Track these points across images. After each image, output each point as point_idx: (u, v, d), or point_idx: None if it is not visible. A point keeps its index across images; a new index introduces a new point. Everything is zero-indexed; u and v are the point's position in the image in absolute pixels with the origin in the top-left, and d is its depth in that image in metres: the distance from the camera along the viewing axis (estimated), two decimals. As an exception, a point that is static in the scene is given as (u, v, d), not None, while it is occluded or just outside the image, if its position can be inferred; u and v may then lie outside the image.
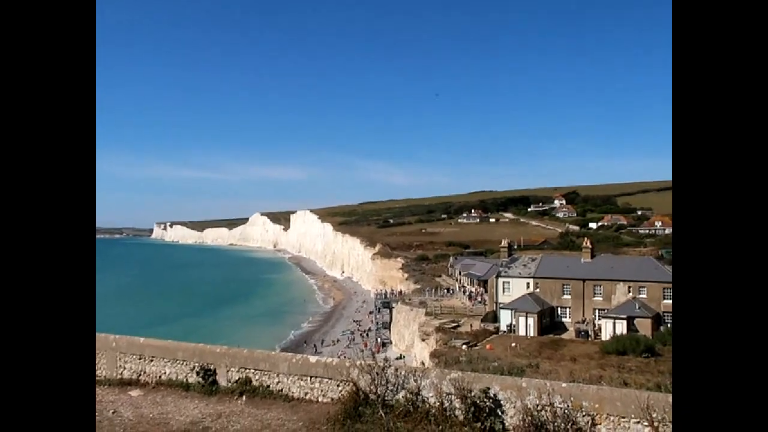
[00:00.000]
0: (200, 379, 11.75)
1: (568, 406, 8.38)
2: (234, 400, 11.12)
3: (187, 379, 12.03)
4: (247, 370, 11.47)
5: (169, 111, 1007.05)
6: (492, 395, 8.99)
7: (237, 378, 11.53)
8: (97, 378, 13.17)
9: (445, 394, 9.33)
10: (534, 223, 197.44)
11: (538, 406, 8.64)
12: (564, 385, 8.67)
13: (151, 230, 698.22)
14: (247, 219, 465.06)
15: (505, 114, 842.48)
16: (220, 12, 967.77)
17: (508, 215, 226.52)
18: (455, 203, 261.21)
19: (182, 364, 12.19)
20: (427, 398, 9.50)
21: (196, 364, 11.90)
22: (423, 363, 45.18)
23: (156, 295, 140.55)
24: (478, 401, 8.94)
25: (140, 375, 12.67)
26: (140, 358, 12.73)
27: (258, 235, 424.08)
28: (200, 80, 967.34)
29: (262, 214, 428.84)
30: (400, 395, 9.58)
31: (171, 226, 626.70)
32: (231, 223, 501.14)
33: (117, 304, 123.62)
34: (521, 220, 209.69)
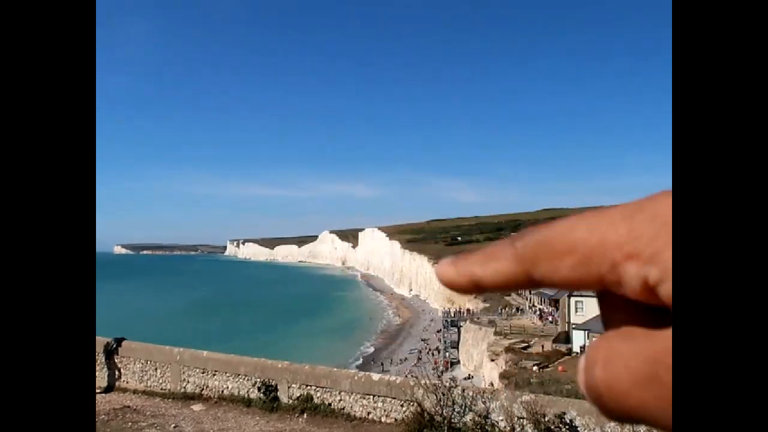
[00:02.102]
0: (261, 395, 11.49)
1: (654, 435, 7.60)
2: (295, 418, 10.79)
3: (248, 395, 11.81)
4: (309, 387, 11.13)
5: (243, 130, 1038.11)
6: (568, 421, 8.29)
7: (298, 395, 11.21)
8: (161, 391, 13.15)
9: (516, 418, 8.69)
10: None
11: (619, 434, 7.89)
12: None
13: (225, 247, 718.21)
14: (317, 236, 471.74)
15: (577, 129, 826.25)
16: (296, 36, 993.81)
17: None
18: (524, 220, 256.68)
19: (244, 379, 11.98)
20: (497, 422, 8.88)
21: (258, 380, 11.66)
22: (492, 384, 43.96)
23: (228, 310, 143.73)
24: (552, 427, 8.27)
25: (203, 389, 12.54)
26: (203, 372, 12.61)
27: (327, 252, 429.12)
28: (273, 101, 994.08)
29: (331, 232, 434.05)
30: (468, 418, 9.00)
31: (243, 243, 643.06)
32: (301, 241, 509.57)
33: (191, 318, 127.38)
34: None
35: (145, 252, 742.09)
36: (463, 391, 9.21)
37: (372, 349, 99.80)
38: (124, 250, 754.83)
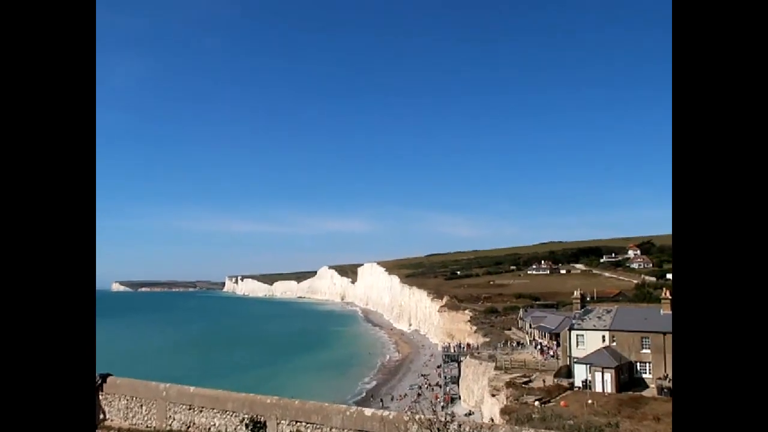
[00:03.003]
0: (249, 432, 10.97)
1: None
2: (284, 456, 10.26)
3: (236, 431, 11.28)
4: (299, 423, 10.61)
5: (240, 166, 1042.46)
6: (571, 457, 7.80)
7: (288, 431, 10.68)
8: (146, 429, 12.60)
9: (515, 455, 8.19)
10: (607, 274, 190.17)
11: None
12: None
13: (224, 283, 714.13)
14: (315, 272, 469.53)
15: (572, 165, 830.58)
16: (282, 71, 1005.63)
17: (580, 266, 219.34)
18: (524, 255, 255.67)
19: (231, 415, 11.46)
20: (496, 459, 8.38)
21: (246, 416, 11.14)
22: (492, 419, 42.98)
23: (224, 347, 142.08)
24: (554, 464, 7.77)
25: (189, 426, 12.00)
26: (189, 409, 12.09)
27: (326, 287, 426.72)
28: (271, 138, 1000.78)
29: (330, 267, 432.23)
30: (465, 455, 8.50)
31: (242, 279, 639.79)
32: (299, 276, 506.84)
33: (186, 354, 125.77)
34: (593, 271, 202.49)
35: (143, 289, 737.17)
36: (460, 426, 8.73)
37: (371, 385, 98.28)
38: (122, 287, 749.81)
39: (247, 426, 10.99)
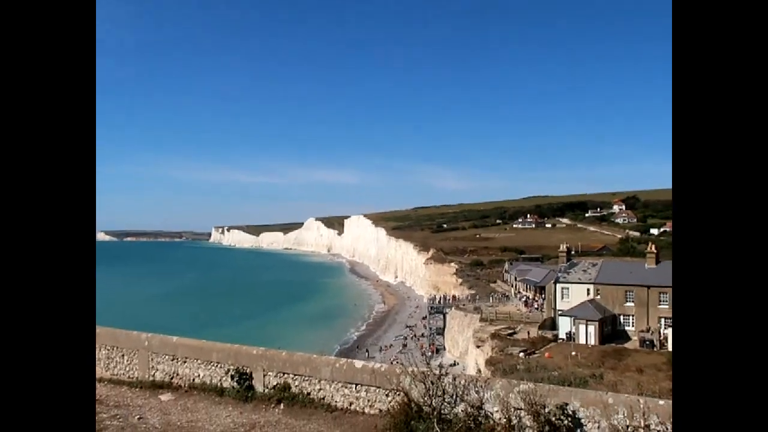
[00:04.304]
0: (235, 384, 10.59)
1: (667, 428, 6.82)
2: (271, 409, 9.91)
3: (221, 384, 10.90)
4: (286, 375, 10.24)
5: (228, 117, 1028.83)
6: (570, 412, 7.49)
7: (275, 383, 10.32)
8: (128, 379, 12.22)
9: (513, 409, 7.86)
10: (592, 228, 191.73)
11: (628, 427, 7.10)
12: (662, 402, 7.09)
13: (210, 234, 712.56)
14: (302, 224, 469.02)
15: (560, 118, 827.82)
16: (277, 22, 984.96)
17: (565, 221, 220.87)
18: (510, 208, 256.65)
19: (216, 366, 11.08)
20: (492, 413, 8.06)
21: (231, 367, 10.75)
22: (479, 371, 43.36)
23: (210, 297, 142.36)
24: (553, 419, 7.45)
25: (173, 377, 11.62)
26: (173, 359, 11.68)
27: (312, 239, 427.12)
28: (259, 87, 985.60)
29: (317, 219, 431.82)
30: (459, 408, 8.17)
31: (228, 230, 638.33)
32: (286, 228, 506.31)
33: (171, 304, 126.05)
34: (578, 225, 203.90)
35: (129, 239, 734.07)
36: (455, 379, 8.37)
37: (357, 336, 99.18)
38: (107, 237, 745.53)
39: (232, 377, 10.61)
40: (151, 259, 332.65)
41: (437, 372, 8.51)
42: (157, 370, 11.88)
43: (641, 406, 7.12)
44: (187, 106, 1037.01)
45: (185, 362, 11.48)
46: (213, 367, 11.11)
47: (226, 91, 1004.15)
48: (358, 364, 9.56)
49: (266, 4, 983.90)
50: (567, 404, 7.54)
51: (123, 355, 12.40)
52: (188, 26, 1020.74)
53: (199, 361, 11.30)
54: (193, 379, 11.32)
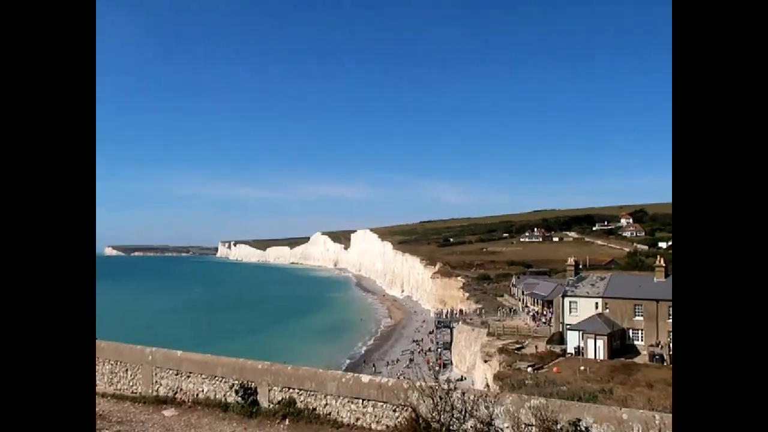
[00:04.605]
0: (239, 399, 10.40)
1: (684, 445, 6.58)
2: (275, 425, 9.71)
3: (225, 399, 10.71)
4: (291, 390, 10.04)
5: (234, 132, 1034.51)
6: (583, 429, 7.27)
7: (280, 398, 10.12)
8: (131, 394, 12.05)
9: (524, 426, 7.65)
10: (599, 242, 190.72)
11: (644, 444, 6.88)
12: (678, 418, 6.84)
13: (216, 249, 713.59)
14: (309, 238, 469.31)
15: (567, 132, 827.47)
16: (283, 35, 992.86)
17: (572, 234, 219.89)
18: (516, 222, 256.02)
19: (221, 381, 10.89)
20: (502, 429, 7.84)
21: (236, 382, 10.56)
22: (488, 386, 42.89)
23: (216, 312, 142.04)
24: (566, 436, 7.23)
25: (176, 392, 11.44)
26: (177, 374, 11.51)
27: (319, 254, 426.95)
28: (265, 103, 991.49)
29: (323, 233, 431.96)
30: (468, 425, 7.96)
31: (235, 244, 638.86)
32: (293, 242, 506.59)
33: (177, 319, 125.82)
34: (586, 239, 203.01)
35: (136, 253, 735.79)
36: (464, 394, 8.16)
37: (363, 350, 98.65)
38: (114, 252, 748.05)
39: (236, 392, 10.43)
40: (157, 273, 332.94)
41: (446, 387, 8.31)
42: (161, 384, 11.71)
43: (656, 422, 6.90)
44: (194, 121, 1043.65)
45: (189, 377, 11.31)
46: (217, 382, 10.93)
47: (233, 106, 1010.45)
48: (365, 378, 9.36)
49: (272, 17, 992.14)
50: (580, 420, 7.33)
51: (127, 370, 12.24)
52: (193, 41, 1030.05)
53: (203, 376, 11.12)
54: (197, 394, 11.14)
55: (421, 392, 8.38)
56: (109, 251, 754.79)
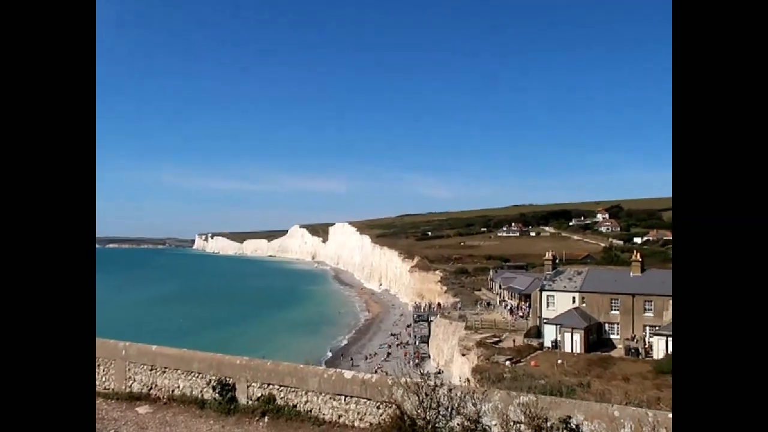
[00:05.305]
0: (217, 396, 10.04)
1: (678, 444, 6.40)
2: (254, 422, 9.38)
3: (202, 395, 10.34)
4: (271, 386, 9.71)
5: (211, 123, 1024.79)
6: (574, 426, 7.06)
7: (259, 395, 9.79)
8: (104, 391, 11.62)
9: (512, 423, 7.42)
10: (576, 237, 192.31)
11: (637, 442, 6.68)
12: (671, 416, 6.67)
13: (193, 241, 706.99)
14: (287, 231, 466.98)
15: (544, 126, 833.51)
16: (261, 27, 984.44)
17: (549, 229, 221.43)
18: (495, 217, 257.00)
19: (197, 377, 10.52)
20: (490, 427, 7.61)
21: (213, 378, 10.20)
22: (468, 380, 42.84)
23: (192, 305, 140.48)
24: (556, 434, 7.02)
25: (151, 389, 11.04)
26: (152, 369, 11.10)
27: (297, 246, 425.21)
28: (240, 94, 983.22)
29: (301, 226, 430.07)
30: (455, 422, 7.72)
31: (212, 237, 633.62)
32: (270, 235, 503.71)
33: (152, 312, 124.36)
34: (562, 234, 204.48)
35: (111, 245, 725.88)
36: (450, 390, 7.91)
37: (341, 344, 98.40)
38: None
39: (214, 388, 10.06)
40: (133, 265, 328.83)
41: (432, 383, 8.05)
42: (135, 380, 11.29)
43: (650, 419, 6.70)
44: (172, 111, 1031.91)
45: (164, 372, 10.91)
46: (194, 378, 10.55)
47: (212, 97, 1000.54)
48: (348, 374, 9.06)
49: (256, 7, 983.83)
50: (570, 417, 7.12)
51: (99, 365, 11.79)
52: (177, 29, 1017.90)
53: (179, 372, 10.74)
54: (173, 391, 10.76)
55: (406, 388, 8.11)
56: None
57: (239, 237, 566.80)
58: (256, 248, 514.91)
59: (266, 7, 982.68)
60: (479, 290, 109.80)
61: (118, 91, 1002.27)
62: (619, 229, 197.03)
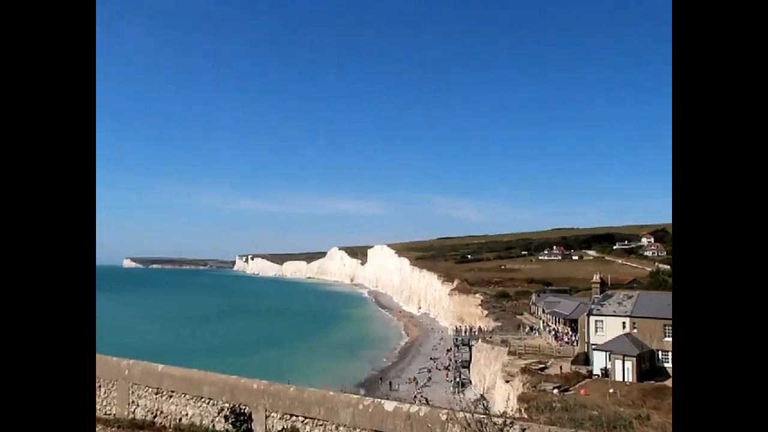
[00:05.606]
0: (230, 427, 8.29)
1: None
2: (272, 462, 7.57)
3: (213, 426, 8.61)
4: (294, 418, 7.91)
5: (253, 147, 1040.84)
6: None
7: (280, 428, 8.00)
8: (105, 416, 10.00)
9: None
10: (620, 261, 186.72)
11: None
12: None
13: (234, 262, 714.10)
14: (325, 253, 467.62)
15: (587, 150, 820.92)
16: (302, 54, 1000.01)
17: (592, 253, 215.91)
18: (535, 240, 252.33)
19: (208, 403, 8.80)
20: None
21: (226, 405, 8.47)
22: (521, 411, 40.31)
23: (229, 326, 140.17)
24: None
25: (156, 415, 9.36)
26: (157, 393, 9.44)
27: (335, 269, 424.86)
28: (282, 118, 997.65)
29: (340, 249, 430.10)
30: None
31: (252, 258, 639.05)
32: (309, 257, 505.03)
33: (189, 331, 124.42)
34: (606, 258, 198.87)
35: (154, 266, 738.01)
36: (524, 431, 5.99)
37: (379, 368, 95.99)
38: (133, 264, 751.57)
39: (226, 418, 8.32)
40: (175, 285, 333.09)
41: (498, 421, 6.14)
42: (138, 405, 9.64)
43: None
44: (213, 137, 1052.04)
45: (171, 397, 9.23)
46: (204, 405, 8.84)
47: (251, 124, 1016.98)
48: (389, 405, 7.19)
49: (293, 33, 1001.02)
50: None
51: (99, 387, 10.20)
52: (213, 55, 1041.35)
53: (187, 396, 9.04)
54: (180, 419, 9.05)
55: (465, 426, 6.22)
56: (128, 263, 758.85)
57: (279, 258, 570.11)
58: (295, 270, 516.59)
59: (297, 27, 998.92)
60: (521, 314, 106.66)
61: (157, 114, 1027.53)
62: (665, 253, 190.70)
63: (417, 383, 79.40)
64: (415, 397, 59.73)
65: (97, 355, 10.92)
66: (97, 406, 10.32)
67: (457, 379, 79.12)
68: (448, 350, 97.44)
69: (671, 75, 4.94)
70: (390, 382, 79.46)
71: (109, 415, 9.99)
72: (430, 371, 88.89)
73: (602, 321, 60.69)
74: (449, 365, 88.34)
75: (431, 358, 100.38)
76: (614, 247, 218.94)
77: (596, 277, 68.42)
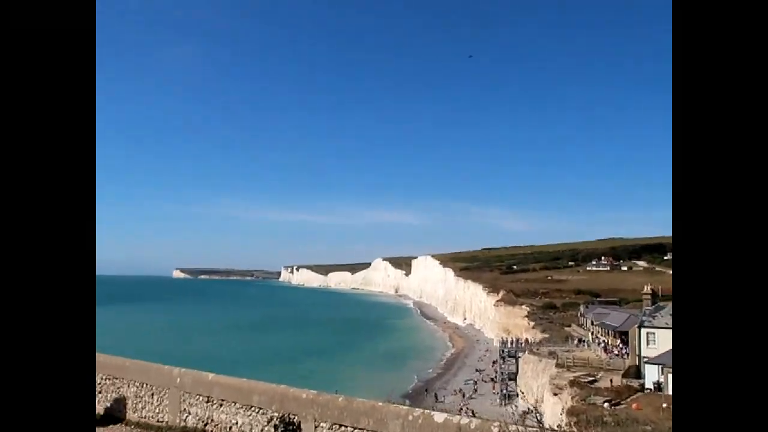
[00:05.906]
0: (279, 436, 8.33)
1: None
2: (322, 473, 7.57)
3: (263, 435, 8.65)
4: (343, 428, 7.89)
5: (297, 158, 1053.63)
6: None
7: (329, 438, 7.99)
8: (157, 424, 10.17)
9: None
10: (671, 272, 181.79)
11: None
12: None
13: (279, 273, 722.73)
14: (370, 264, 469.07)
15: (637, 159, 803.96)
16: (343, 64, 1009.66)
17: (642, 263, 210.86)
18: (582, 250, 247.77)
19: (257, 412, 8.86)
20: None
21: (275, 414, 8.52)
22: (569, 424, 39.48)
23: (275, 336, 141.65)
24: None
25: (207, 424, 9.48)
26: (207, 401, 9.55)
27: (380, 279, 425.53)
28: (328, 129, 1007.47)
29: (384, 259, 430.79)
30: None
31: (297, 269, 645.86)
32: (353, 268, 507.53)
33: (235, 340, 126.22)
34: (656, 268, 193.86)
35: (202, 276, 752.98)
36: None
37: (425, 379, 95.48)
38: (182, 275, 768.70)
39: (276, 427, 8.37)
40: (224, 295, 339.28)
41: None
42: (189, 413, 9.77)
43: None
44: (260, 149, 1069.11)
45: (221, 406, 9.33)
46: (253, 414, 8.90)
47: (291, 137, 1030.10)
48: (439, 417, 7.10)
49: (336, 44, 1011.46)
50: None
51: (153, 394, 10.39)
52: (256, 64, 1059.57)
53: (237, 405, 9.12)
54: (230, 427, 9.14)
55: (519, 441, 6.08)
56: (177, 274, 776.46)
57: (323, 269, 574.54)
58: (340, 281, 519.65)
59: (345, 44, 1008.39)
60: (569, 326, 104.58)
61: (208, 127, 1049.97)
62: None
63: (463, 395, 78.64)
64: (461, 409, 59.10)
65: (150, 364, 11.16)
66: (150, 414, 10.51)
67: (504, 392, 77.98)
68: (494, 362, 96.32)
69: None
70: (435, 394, 78.88)
71: (162, 422, 10.16)
72: (476, 383, 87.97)
73: (654, 333, 59.06)
74: (495, 377, 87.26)
75: (477, 370, 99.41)
76: (665, 258, 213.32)
77: (647, 288, 66.71)
